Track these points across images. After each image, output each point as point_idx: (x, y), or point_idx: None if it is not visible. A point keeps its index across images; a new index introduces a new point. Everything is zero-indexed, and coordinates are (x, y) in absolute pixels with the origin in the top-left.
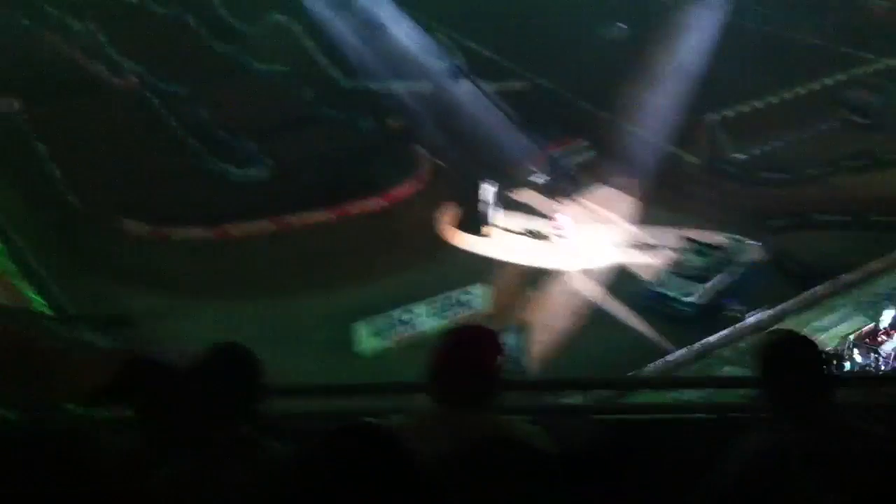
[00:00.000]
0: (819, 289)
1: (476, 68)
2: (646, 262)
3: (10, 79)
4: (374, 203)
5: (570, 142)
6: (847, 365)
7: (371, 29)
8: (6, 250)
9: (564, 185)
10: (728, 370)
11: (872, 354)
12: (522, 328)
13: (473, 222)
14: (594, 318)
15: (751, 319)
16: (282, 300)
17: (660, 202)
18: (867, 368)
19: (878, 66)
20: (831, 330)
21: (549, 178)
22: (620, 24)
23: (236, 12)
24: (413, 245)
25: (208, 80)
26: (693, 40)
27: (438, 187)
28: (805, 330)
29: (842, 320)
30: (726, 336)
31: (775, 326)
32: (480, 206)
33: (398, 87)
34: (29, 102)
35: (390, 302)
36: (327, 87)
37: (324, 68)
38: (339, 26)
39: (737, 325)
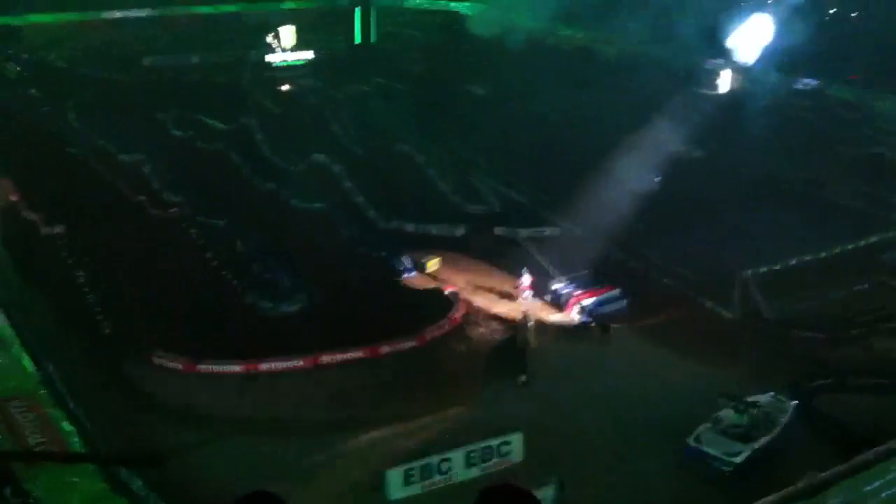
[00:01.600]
0: (864, 454)
1: (509, 213)
2: None
3: (55, 204)
4: (408, 342)
5: (604, 290)
6: None
7: None
8: (40, 377)
9: (597, 331)
10: None
11: None
12: (561, 483)
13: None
14: None
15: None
16: (313, 439)
17: (693, 356)
18: None
19: None
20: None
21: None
22: (655, 178)
23: (279, 151)
24: (448, 386)
25: (247, 215)
26: (724, 194)
27: (471, 329)
28: (854, 497)
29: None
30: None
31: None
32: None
33: (434, 229)
34: (71, 228)
35: (424, 445)
36: (364, 227)
37: (362, 208)
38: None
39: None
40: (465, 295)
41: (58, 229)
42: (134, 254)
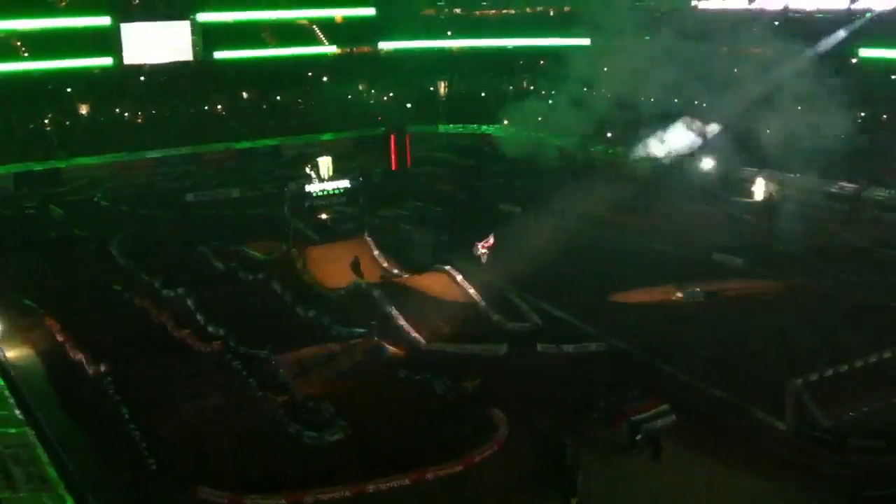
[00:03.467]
0: None
1: (552, 331)
2: None
3: (100, 343)
4: (451, 467)
5: (652, 405)
6: None
7: None
8: None
9: (647, 449)
10: None
11: None
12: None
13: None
14: None
15: None
16: None
17: (747, 469)
18: None
19: None
20: None
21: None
22: (698, 290)
23: (321, 278)
24: None
25: (289, 343)
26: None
27: (518, 450)
28: None
29: None
30: None
31: None
32: None
33: (475, 349)
34: (116, 365)
35: None
36: (406, 350)
37: (404, 331)
38: None
39: None
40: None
41: (103, 367)
42: (178, 388)
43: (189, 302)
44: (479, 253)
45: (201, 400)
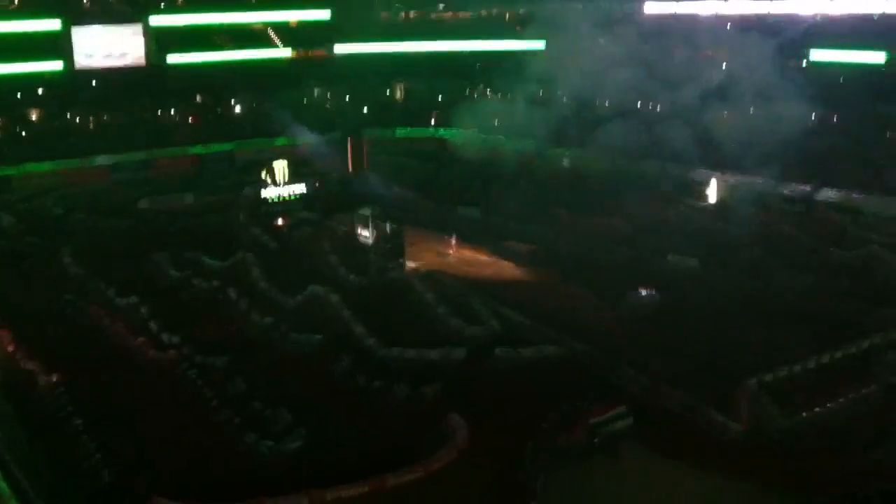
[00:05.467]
0: None
1: (509, 332)
2: None
3: (50, 351)
4: (411, 475)
5: (610, 408)
6: None
7: None
8: None
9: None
10: None
11: None
12: None
13: None
14: None
15: None
16: None
17: (704, 470)
18: None
19: None
20: None
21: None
22: (652, 291)
23: (276, 285)
24: None
25: (245, 352)
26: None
27: (476, 457)
28: None
29: None
30: None
31: None
32: None
33: (433, 354)
34: (68, 375)
35: None
36: (363, 357)
37: (360, 338)
38: None
39: None
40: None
41: (55, 377)
42: (133, 398)
43: (143, 310)
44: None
45: (156, 410)
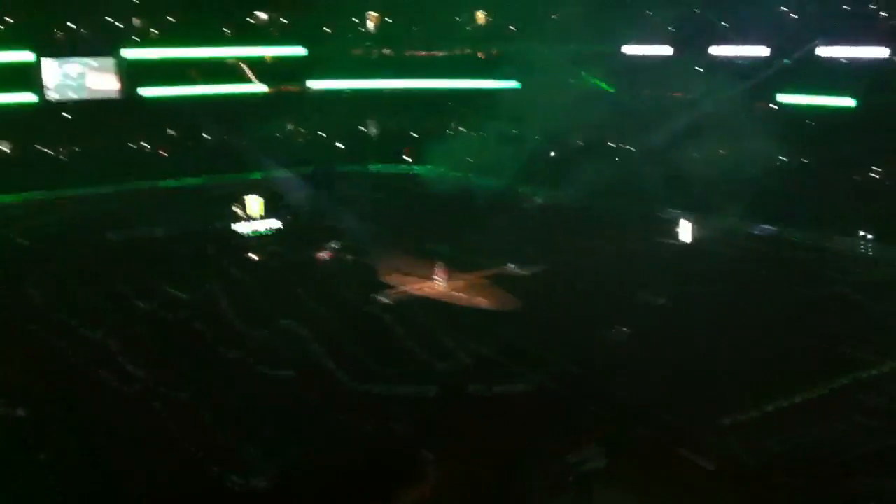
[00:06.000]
0: None
1: (480, 368)
2: None
3: (14, 385)
4: None
5: (582, 447)
6: None
7: None
8: None
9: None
10: None
11: None
12: None
13: None
14: None
15: None
16: None
17: None
18: None
19: (884, 368)
20: None
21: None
22: (622, 328)
23: (245, 318)
24: None
25: (213, 385)
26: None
27: (448, 494)
28: None
29: None
30: None
31: None
32: None
33: (404, 390)
34: (33, 409)
35: None
36: (334, 391)
37: (331, 372)
38: None
39: None
40: None
41: (20, 412)
42: (96, 432)
43: (109, 342)
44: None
45: (119, 444)
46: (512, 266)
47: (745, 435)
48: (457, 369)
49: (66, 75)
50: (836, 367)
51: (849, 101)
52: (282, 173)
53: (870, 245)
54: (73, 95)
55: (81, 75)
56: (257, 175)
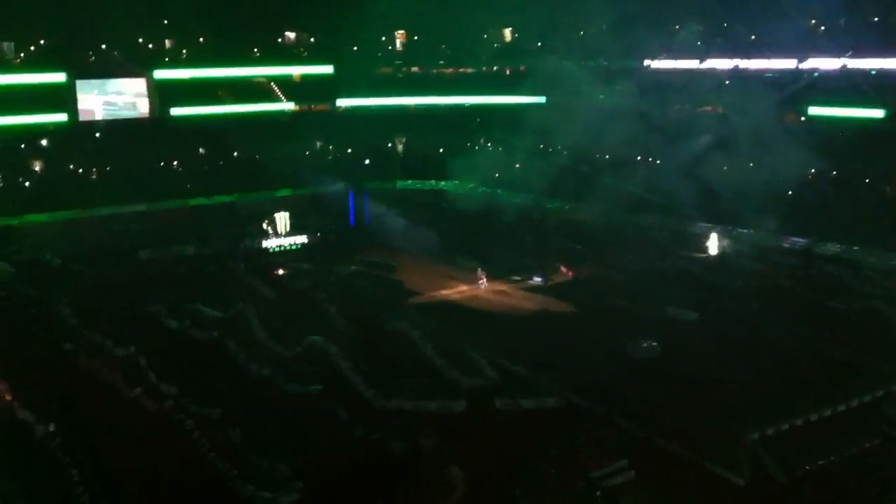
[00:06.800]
0: None
1: (510, 385)
2: None
3: (47, 401)
4: None
5: (609, 462)
6: None
7: None
8: None
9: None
10: None
11: None
12: None
13: None
14: None
15: None
16: None
17: None
18: None
19: None
20: None
21: None
22: (652, 343)
23: (274, 335)
24: None
25: (242, 402)
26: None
27: None
28: None
29: None
30: None
31: None
32: None
33: (431, 406)
34: (65, 425)
35: None
36: (361, 408)
37: (358, 388)
38: None
39: None
40: None
41: (52, 427)
42: (129, 450)
43: (141, 361)
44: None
45: (152, 461)
46: (538, 279)
47: (776, 449)
48: (484, 383)
49: (97, 96)
50: (867, 381)
51: (878, 113)
52: (311, 190)
53: None
54: (105, 116)
55: (113, 96)
56: (287, 192)
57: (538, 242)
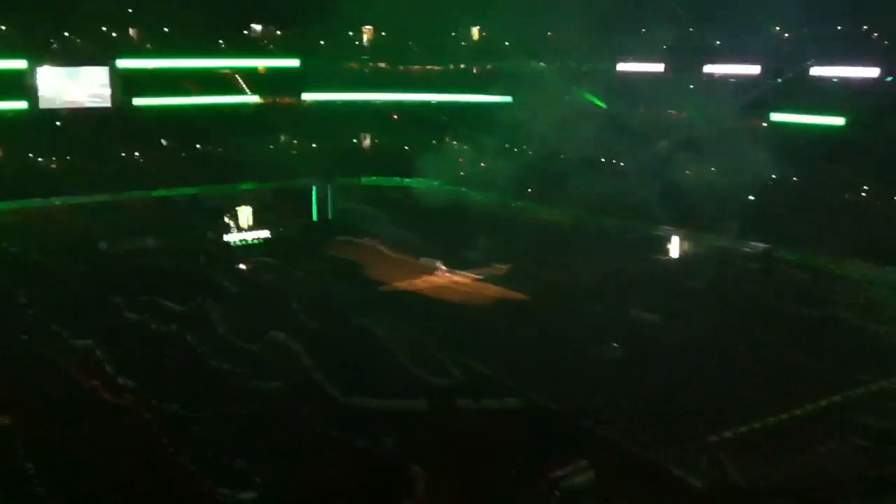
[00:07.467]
0: None
1: (474, 385)
2: None
3: (5, 394)
4: None
5: (571, 462)
6: None
7: None
8: None
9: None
10: None
11: None
12: None
13: None
14: None
15: None
16: None
17: None
18: None
19: (873, 387)
20: None
21: None
22: (614, 345)
23: (235, 331)
24: None
25: (205, 398)
26: (686, 357)
27: None
28: None
29: None
30: None
31: None
32: None
33: (394, 405)
34: (19, 420)
35: None
36: (325, 406)
37: (322, 386)
38: None
39: None
40: None
41: (6, 420)
42: (86, 443)
43: (99, 353)
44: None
45: (110, 455)
46: (499, 266)
47: (736, 454)
48: (446, 382)
49: (59, 83)
50: (829, 386)
51: (838, 120)
52: (275, 184)
53: (863, 265)
54: (66, 104)
55: (75, 84)
56: (250, 186)
57: (501, 240)
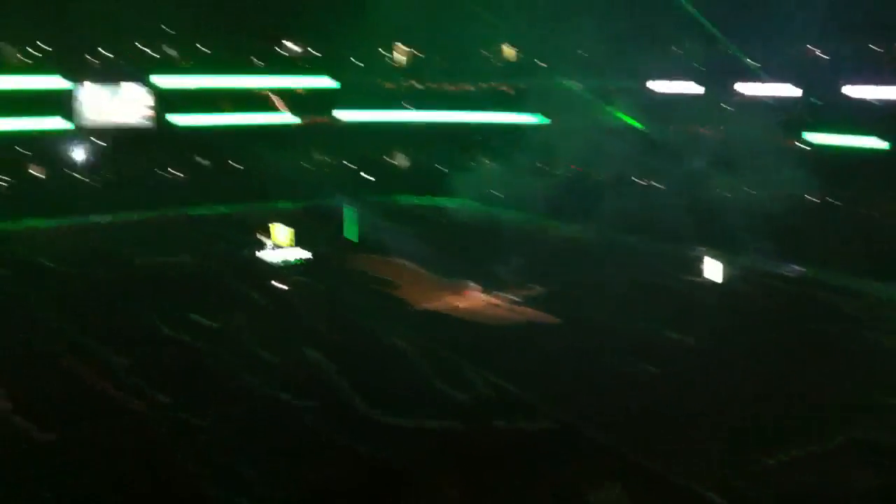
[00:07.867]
0: None
1: (500, 406)
2: None
3: (38, 405)
4: None
5: (605, 486)
6: None
7: None
8: None
9: None
10: None
11: None
12: None
13: None
14: None
15: None
16: None
17: None
18: None
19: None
20: None
21: None
22: (648, 367)
23: (266, 346)
24: None
25: (228, 408)
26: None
27: None
28: None
29: None
30: None
31: None
32: None
33: (421, 422)
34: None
35: None
36: (351, 420)
37: (349, 401)
38: None
39: None
40: None
41: (50, 436)
42: (115, 457)
43: (133, 367)
44: None
45: (129, 467)
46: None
47: (773, 480)
48: (479, 402)
49: (98, 102)
50: (860, 412)
51: (881, 144)
52: (309, 203)
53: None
54: (104, 122)
55: (113, 102)
56: (286, 204)
57: (534, 259)
